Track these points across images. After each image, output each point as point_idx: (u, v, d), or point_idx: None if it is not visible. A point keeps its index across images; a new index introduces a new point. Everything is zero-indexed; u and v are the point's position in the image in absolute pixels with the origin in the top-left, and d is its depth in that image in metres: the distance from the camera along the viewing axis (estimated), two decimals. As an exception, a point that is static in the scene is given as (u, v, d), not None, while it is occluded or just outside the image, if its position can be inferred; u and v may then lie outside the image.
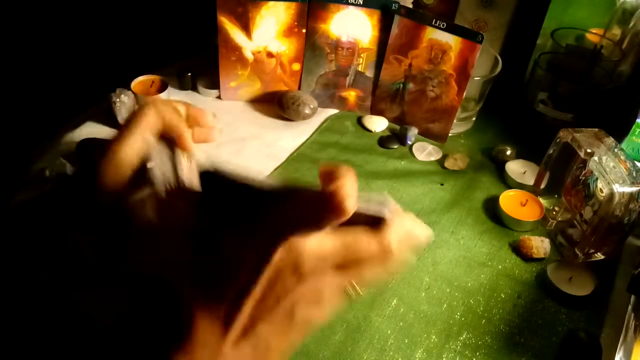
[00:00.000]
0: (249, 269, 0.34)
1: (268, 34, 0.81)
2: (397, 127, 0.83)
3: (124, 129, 0.42)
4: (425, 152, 0.79)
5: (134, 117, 0.43)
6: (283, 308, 0.34)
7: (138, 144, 0.42)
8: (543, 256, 0.64)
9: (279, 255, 0.34)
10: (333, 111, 0.86)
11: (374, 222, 0.37)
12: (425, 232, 0.37)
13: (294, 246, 0.34)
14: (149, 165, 0.41)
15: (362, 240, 0.36)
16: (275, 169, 0.74)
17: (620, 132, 0.68)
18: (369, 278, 0.37)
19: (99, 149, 0.42)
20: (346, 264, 0.36)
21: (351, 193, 0.33)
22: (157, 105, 0.44)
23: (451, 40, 0.76)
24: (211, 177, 0.41)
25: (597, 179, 0.62)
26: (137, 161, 0.42)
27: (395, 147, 0.80)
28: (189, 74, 0.86)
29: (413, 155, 0.79)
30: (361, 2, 0.79)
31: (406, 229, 0.36)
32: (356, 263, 0.36)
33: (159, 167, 0.42)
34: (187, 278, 0.36)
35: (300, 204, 0.34)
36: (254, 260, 0.34)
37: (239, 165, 0.41)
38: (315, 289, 0.35)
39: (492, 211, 0.70)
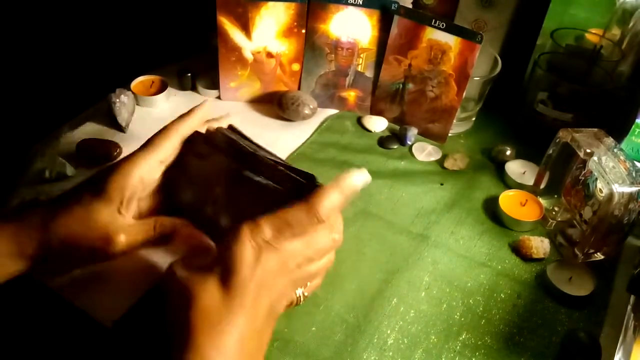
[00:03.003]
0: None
1: (268, 34, 0.81)
2: (397, 127, 0.83)
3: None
4: (425, 152, 0.79)
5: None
6: (294, 251, 0.41)
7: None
8: (543, 256, 0.64)
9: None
10: (333, 111, 0.86)
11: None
12: (362, 177, 0.43)
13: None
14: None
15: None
16: (275, 169, 0.74)
17: (619, 132, 0.68)
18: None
19: None
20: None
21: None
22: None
23: (451, 41, 0.76)
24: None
25: (596, 179, 0.62)
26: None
27: (395, 147, 0.80)
28: (189, 74, 0.87)
29: (413, 155, 0.79)
30: (361, 3, 0.79)
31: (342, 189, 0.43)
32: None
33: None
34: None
35: None
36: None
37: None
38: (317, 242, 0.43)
39: (492, 211, 0.70)
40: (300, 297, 0.44)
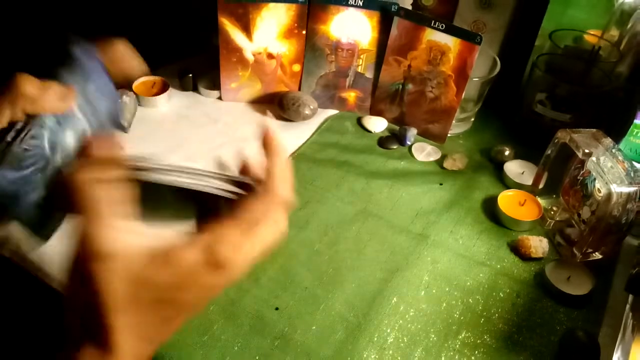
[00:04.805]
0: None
1: (268, 35, 0.81)
2: (397, 127, 0.84)
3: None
4: (424, 152, 0.80)
5: None
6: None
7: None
8: (541, 256, 0.64)
9: None
10: (333, 112, 0.87)
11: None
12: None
13: None
14: None
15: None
16: (276, 169, 0.75)
17: (618, 133, 0.69)
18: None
19: None
20: None
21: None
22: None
23: (450, 42, 0.76)
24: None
25: (595, 179, 0.62)
26: None
27: (395, 147, 0.81)
28: (190, 75, 0.87)
29: (412, 155, 0.79)
30: (361, 4, 0.79)
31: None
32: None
33: None
34: None
35: None
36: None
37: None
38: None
39: (491, 211, 0.71)
40: None
